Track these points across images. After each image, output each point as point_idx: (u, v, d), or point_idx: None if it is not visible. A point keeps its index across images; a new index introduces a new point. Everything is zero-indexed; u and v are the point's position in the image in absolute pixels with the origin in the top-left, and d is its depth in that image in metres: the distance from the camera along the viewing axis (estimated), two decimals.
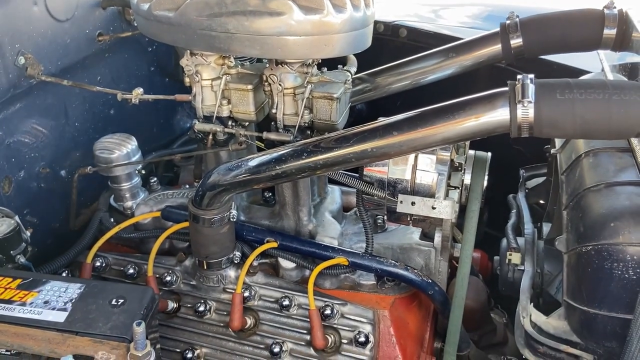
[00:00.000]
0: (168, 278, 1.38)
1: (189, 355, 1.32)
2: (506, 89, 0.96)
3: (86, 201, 1.65)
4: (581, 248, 0.98)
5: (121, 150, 1.49)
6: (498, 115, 0.96)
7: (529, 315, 1.11)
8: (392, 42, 2.12)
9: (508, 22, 1.35)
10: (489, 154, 1.34)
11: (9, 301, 0.99)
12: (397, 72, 1.52)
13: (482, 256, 1.74)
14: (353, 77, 1.49)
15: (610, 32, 1.26)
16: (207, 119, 1.33)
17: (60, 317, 0.96)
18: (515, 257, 1.33)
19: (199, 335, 1.35)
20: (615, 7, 1.28)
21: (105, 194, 1.63)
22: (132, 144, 1.52)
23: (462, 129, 1.00)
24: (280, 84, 1.24)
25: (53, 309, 0.98)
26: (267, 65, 1.27)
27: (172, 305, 1.37)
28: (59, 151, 1.55)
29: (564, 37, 1.31)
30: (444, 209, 1.20)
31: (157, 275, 1.38)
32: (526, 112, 0.92)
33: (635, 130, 0.89)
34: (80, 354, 0.91)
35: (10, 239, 1.26)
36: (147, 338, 0.90)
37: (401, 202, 1.23)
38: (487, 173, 1.31)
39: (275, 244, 1.35)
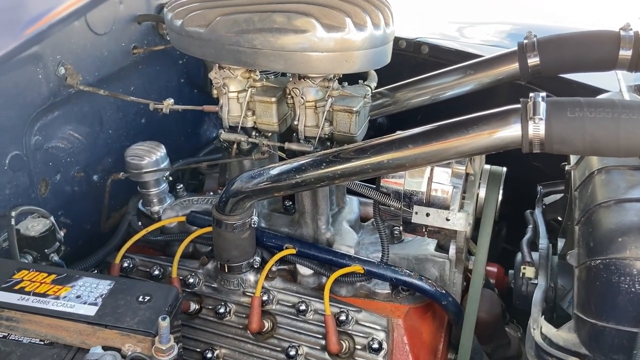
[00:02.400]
0: (191, 280, 1.44)
1: (209, 355, 1.37)
2: (519, 105, 1.00)
3: (116, 205, 1.73)
4: (590, 262, 1.01)
5: (151, 157, 1.57)
6: (511, 131, 1.00)
7: (539, 327, 1.13)
8: (414, 59, 2.17)
9: (526, 41, 1.39)
10: (504, 168, 1.37)
11: (44, 295, 1.05)
12: (417, 87, 1.56)
13: (499, 270, 1.76)
14: (373, 91, 1.55)
15: (626, 53, 1.29)
16: (233, 129, 1.40)
17: (91, 310, 1.02)
18: (529, 271, 1.35)
19: (219, 336, 1.40)
20: (631, 29, 1.31)
21: (135, 198, 1.70)
22: (161, 151, 1.59)
23: (476, 143, 1.04)
24: (302, 97, 1.30)
25: (84, 303, 1.04)
26: (291, 79, 1.33)
27: (194, 306, 1.43)
28: (93, 157, 1.63)
29: (580, 57, 1.34)
30: (458, 220, 1.24)
31: (181, 277, 1.44)
32: (537, 128, 0.96)
33: None
34: (108, 345, 0.97)
35: (45, 238, 1.34)
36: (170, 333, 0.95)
37: (416, 213, 1.27)
38: (501, 187, 1.34)
39: (293, 251, 1.40)
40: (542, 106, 0.96)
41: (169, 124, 1.87)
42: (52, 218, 1.37)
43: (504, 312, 1.62)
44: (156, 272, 1.48)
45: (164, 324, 0.93)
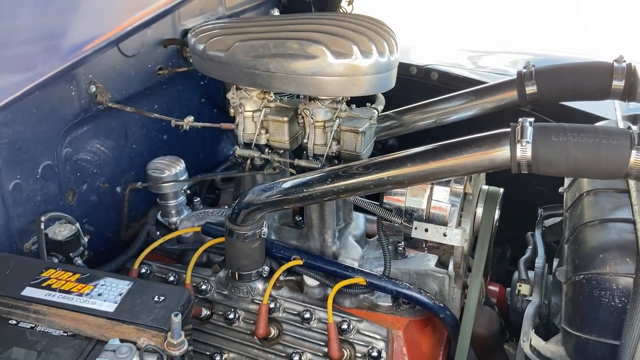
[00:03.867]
0: (203, 287, 1.53)
1: (217, 358, 1.45)
2: (509, 130, 1.08)
3: (137, 216, 1.83)
4: (575, 277, 1.07)
5: (170, 171, 1.68)
6: (501, 152, 1.08)
7: (529, 339, 1.19)
8: (424, 84, 2.26)
9: (524, 70, 1.48)
10: (501, 189, 1.44)
11: (69, 292, 1.15)
12: (422, 111, 1.65)
13: (500, 290, 1.81)
14: (382, 114, 1.65)
15: (618, 83, 1.37)
16: (247, 145, 1.50)
17: (110, 307, 1.11)
18: (524, 289, 1.41)
19: (228, 341, 1.48)
20: (624, 61, 1.39)
21: (154, 209, 1.80)
22: (180, 165, 1.70)
23: (469, 163, 1.12)
24: (312, 118, 1.39)
25: (105, 300, 1.13)
26: (302, 101, 1.43)
27: (205, 312, 1.51)
28: (117, 169, 1.74)
29: (576, 87, 1.42)
30: (455, 236, 1.31)
31: (194, 284, 1.53)
32: (525, 150, 1.04)
33: (623, 172, 0.99)
34: (125, 339, 1.06)
35: (70, 242, 1.44)
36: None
37: (415, 228, 1.35)
38: (498, 206, 1.41)
39: (300, 262, 1.48)
40: (529, 130, 1.04)
41: (189, 141, 1.98)
42: (77, 224, 1.47)
43: (504, 330, 1.67)
44: (171, 279, 1.57)
45: (176, 319, 1.02)
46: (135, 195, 1.76)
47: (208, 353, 1.47)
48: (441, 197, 1.35)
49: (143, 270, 1.58)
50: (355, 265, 1.51)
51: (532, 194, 1.93)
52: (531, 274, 1.47)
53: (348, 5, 2.25)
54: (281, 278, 1.50)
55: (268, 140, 1.49)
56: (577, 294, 1.07)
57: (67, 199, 1.56)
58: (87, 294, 1.14)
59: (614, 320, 1.01)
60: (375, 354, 1.36)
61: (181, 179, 1.69)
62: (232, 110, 1.50)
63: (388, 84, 1.36)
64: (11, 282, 1.16)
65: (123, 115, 1.69)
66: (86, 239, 1.50)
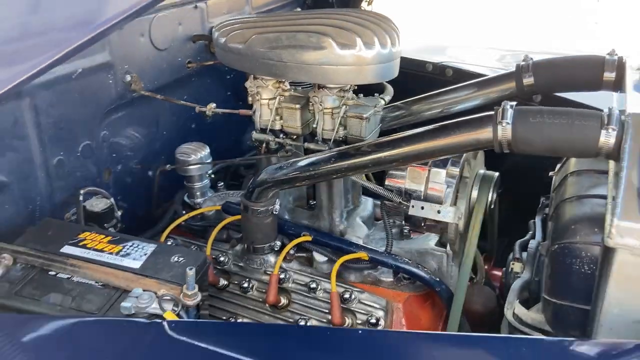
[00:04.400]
0: (221, 259, 1.68)
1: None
2: (492, 112, 1.19)
3: (165, 197, 2.00)
4: (552, 247, 1.17)
5: (196, 155, 1.84)
6: (485, 133, 1.19)
7: (512, 308, 1.29)
8: (439, 81, 2.35)
9: (522, 63, 1.57)
10: (497, 173, 1.54)
11: (101, 250, 1.31)
12: (429, 101, 1.77)
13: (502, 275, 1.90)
14: (392, 105, 1.77)
15: (609, 75, 1.45)
16: (263, 130, 1.65)
17: (136, 265, 1.27)
18: (517, 267, 1.50)
19: (242, 307, 1.62)
20: (616, 54, 1.47)
21: (181, 192, 1.97)
22: (205, 151, 1.86)
23: (458, 143, 1.23)
24: (321, 104, 1.53)
25: (132, 259, 1.29)
26: (313, 89, 1.57)
27: (223, 282, 1.66)
28: (149, 153, 1.91)
29: (570, 78, 1.51)
30: (448, 213, 1.42)
31: (213, 256, 1.68)
32: (505, 130, 1.14)
33: (594, 150, 1.08)
34: (147, 289, 1.21)
35: (105, 214, 1.61)
36: (196, 283, 1.19)
37: (412, 206, 1.46)
38: (493, 189, 1.51)
39: (309, 238, 1.61)
40: (510, 112, 1.14)
41: (215, 130, 2.14)
42: (112, 199, 1.64)
43: (502, 309, 1.76)
44: None
45: (191, 272, 1.17)
46: (165, 178, 1.93)
47: (224, 318, 1.62)
48: (438, 179, 1.46)
49: (169, 243, 1.74)
50: (361, 243, 1.63)
51: (540, 187, 2.01)
52: (525, 254, 1.56)
53: (367, 5, 2.38)
54: (292, 252, 1.64)
55: (282, 125, 1.63)
56: (553, 263, 1.16)
57: (103, 177, 1.74)
58: (117, 253, 1.31)
59: (584, 286, 1.10)
60: (373, 320, 1.48)
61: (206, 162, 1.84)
62: (249, 98, 1.65)
63: (390, 73, 1.47)
64: (52, 241, 1.33)
65: (155, 104, 1.86)
66: (119, 213, 1.67)
